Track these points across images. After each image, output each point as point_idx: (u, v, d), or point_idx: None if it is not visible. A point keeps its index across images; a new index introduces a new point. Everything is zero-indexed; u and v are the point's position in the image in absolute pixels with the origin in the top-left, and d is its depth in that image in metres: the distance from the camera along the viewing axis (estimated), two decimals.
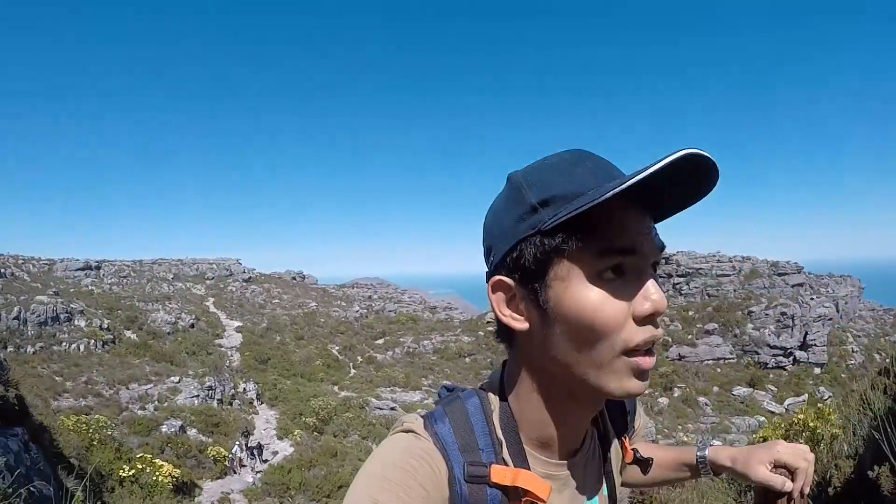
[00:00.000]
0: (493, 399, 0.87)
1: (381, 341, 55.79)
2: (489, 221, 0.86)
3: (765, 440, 4.28)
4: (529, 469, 0.82)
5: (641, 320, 0.74)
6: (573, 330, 0.75)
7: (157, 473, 12.18)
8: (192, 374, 31.58)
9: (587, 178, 0.76)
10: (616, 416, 1.03)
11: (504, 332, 0.86)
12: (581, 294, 0.74)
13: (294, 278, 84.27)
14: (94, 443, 13.16)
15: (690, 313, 54.82)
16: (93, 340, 34.67)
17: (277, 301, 67.82)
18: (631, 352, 0.75)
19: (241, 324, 52.66)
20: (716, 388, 45.94)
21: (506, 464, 0.81)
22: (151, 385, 27.31)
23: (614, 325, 0.73)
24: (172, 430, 20.55)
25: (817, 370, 49.07)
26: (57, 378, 25.99)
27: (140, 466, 12.03)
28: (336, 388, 38.59)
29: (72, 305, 37.97)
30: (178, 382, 28.36)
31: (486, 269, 0.85)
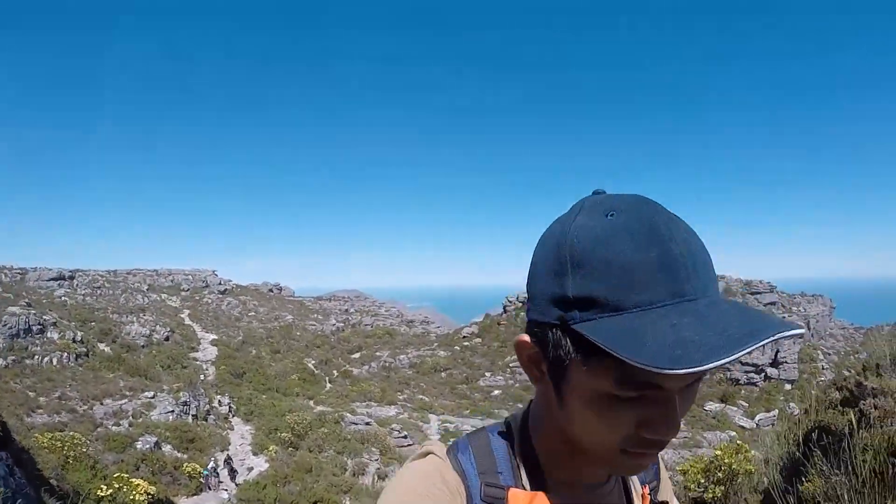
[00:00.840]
0: (518, 431, 0.87)
1: (357, 355, 55.67)
2: (532, 266, 0.78)
3: (684, 473, 4.63)
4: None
5: (644, 439, 0.71)
6: (576, 421, 0.75)
7: (134, 492, 12.24)
8: (167, 388, 31.36)
9: (641, 281, 0.66)
10: None
11: None
12: (590, 407, 0.71)
13: (271, 290, 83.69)
14: (70, 460, 13.21)
15: None
16: (66, 353, 34.13)
17: (253, 314, 67.31)
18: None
19: (216, 337, 52.23)
20: None
21: (524, 489, 0.81)
22: (126, 400, 27.11)
23: (613, 441, 0.72)
24: (147, 446, 20.51)
25: (788, 386, 49.94)
26: (30, 393, 25.66)
27: (116, 486, 12.10)
28: (311, 402, 38.53)
29: (44, 317, 37.34)
30: (153, 398, 28.19)
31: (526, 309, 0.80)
